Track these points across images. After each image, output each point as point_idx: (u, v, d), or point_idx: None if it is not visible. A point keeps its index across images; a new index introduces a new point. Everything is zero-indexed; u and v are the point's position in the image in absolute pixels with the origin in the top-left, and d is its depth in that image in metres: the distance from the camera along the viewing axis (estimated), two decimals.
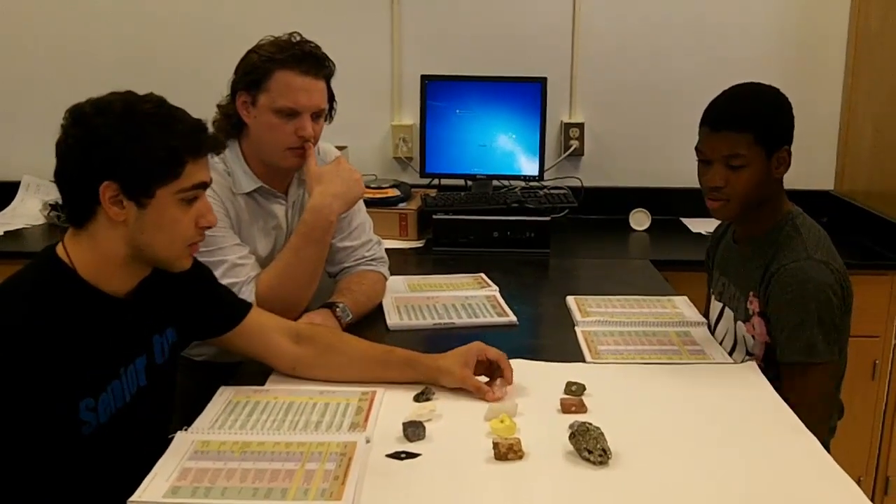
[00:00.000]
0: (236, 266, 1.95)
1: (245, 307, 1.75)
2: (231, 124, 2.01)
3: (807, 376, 1.76)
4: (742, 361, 1.90)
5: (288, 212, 2.12)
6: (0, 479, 1.33)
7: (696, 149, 1.87)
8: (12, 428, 1.32)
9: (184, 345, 1.68)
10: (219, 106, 2.03)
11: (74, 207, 1.42)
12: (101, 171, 1.37)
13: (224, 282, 1.88)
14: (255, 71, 1.95)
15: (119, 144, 1.36)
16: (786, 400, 1.68)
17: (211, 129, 1.89)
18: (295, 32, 2.00)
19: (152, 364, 1.55)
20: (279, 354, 1.74)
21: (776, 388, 1.72)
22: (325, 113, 2.04)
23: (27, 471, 1.34)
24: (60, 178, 1.41)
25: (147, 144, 1.38)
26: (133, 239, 1.42)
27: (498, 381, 1.67)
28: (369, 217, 2.29)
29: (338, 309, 2.00)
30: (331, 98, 2.05)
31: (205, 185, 1.47)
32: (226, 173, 2.01)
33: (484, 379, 1.69)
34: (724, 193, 1.83)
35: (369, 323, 2.07)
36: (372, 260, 2.23)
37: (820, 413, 1.74)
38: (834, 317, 1.76)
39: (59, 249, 1.43)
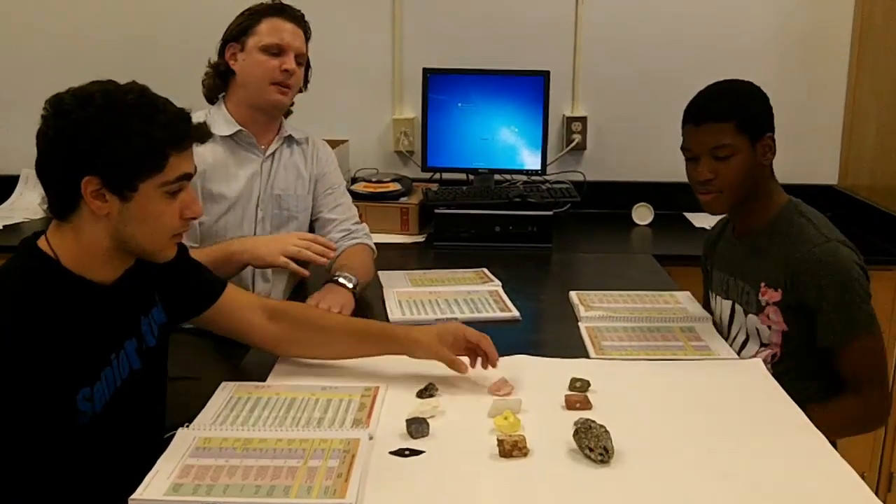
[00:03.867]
0: None
1: (221, 284, 1.73)
2: (219, 76, 2.21)
3: (869, 345, 1.81)
4: (756, 353, 1.90)
5: (265, 163, 2.24)
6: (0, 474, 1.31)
7: (682, 147, 1.91)
8: (12, 423, 1.30)
9: (172, 325, 1.66)
10: (208, 68, 2.22)
11: (57, 200, 1.40)
12: (83, 166, 1.35)
13: None
14: (243, 22, 2.18)
15: (100, 139, 1.34)
16: (848, 379, 1.80)
17: (201, 89, 2.12)
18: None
19: (142, 346, 1.55)
20: (257, 332, 1.74)
21: (790, 380, 1.72)
22: (306, 64, 2.24)
23: (27, 465, 1.32)
24: (42, 170, 1.39)
25: (128, 138, 1.35)
26: (117, 232, 1.40)
27: (478, 360, 1.69)
28: (350, 196, 2.44)
29: (342, 279, 2.09)
30: (307, 66, 2.26)
31: (189, 176, 1.45)
32: (202, 119, 2.04)
33: (465, 359, 1.70)
34: (715, 185, 1.86)
35: (372, 318, 2.05)
36: (356, 232, 2.34)
37: (884, 374, 1.83)
38: (869, 291, 1.82)
39: (42, 242, 1.42)
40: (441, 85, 3.07)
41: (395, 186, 2.99)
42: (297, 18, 2.21)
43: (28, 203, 3.15)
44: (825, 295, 1.79)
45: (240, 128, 2.19)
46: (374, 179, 3.00)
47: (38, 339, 1.32)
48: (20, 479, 1.31)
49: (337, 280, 2.08)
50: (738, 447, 1.45)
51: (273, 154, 2.26)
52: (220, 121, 2.18)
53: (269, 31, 2.16)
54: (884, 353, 1.85)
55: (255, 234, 2.25)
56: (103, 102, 1.36)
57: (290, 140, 2.31)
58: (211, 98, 2.25)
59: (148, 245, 1.45)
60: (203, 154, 2.05)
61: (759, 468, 1.39)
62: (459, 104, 3.07)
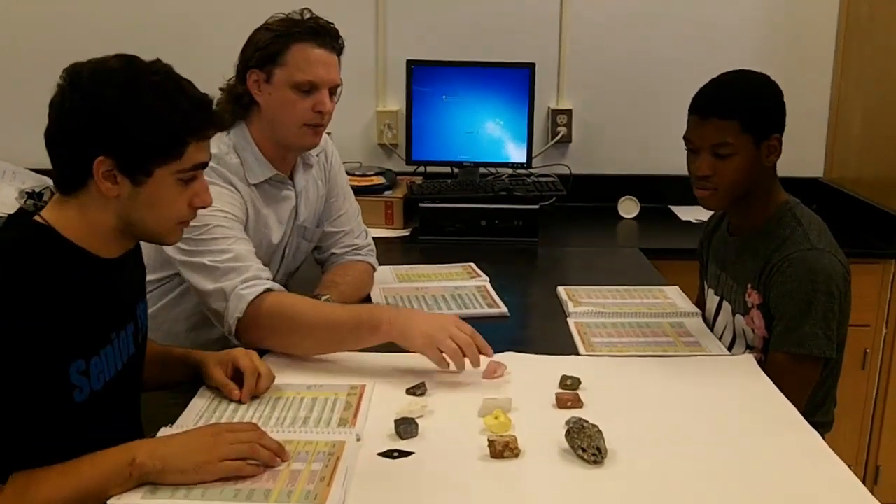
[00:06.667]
0: (247, 258, 1.80)
1: None
2: (240, 106, 1.93)
3: (799, 367, 1.74)
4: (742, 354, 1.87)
5: (298, 198, 2.06)
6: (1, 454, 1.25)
7: (685, 137, 1.85)
8: (6, 397, 1.24)
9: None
10: (223, 89, 1.94)
11: (64, 175, 1.35)
12: (97, 145, 1.29)
13: (228, 264, 1.77)
14: (269, 46, 1.87)
15: (118, 119, 1.29)
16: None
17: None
18: (305, 8, 1.94)
19: (138, 331, 1.52)
20: None
21: None
22: (338, 91, 1.96)
23: (22, 440, 1.26)
24: (52, 142, 1.33)
25: (148, 122, 1.30)
26: (124, 213, 1.36)
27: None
28: (359, 205, 2.25)
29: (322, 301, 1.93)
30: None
31: (204, 165, 1.41)
32: (239, 165, 1.92)
33: None
34: (712, 182, 1.81)
35: None
36: (360, 249, 2.20)
37: (804, 407, 1.68)
38: (836, 311, 1.74)
39: (37, 218, 1.36)
40: (425, 77, 3.03)
41: (380, 180, 2.95)
42: (331, 41, 1.91)
43: (4, 197, 3.08)
44: (787, 301, 1.74)
45: (275, 171, 1.97)
46: (357, 173, 2.96)
47: (29, 308, 1.26)
48: (17, 456, 1.26)
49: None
50: (732, 444, 1.44)
51: (303, 187, 2.08)
52: (253, 163, 1.93)
53: (301, 64, 1.86)
54: (807, 388, 1.76)
55: (279, 270, 2.06)
56: (125, 81, 1.31)
57: (308, 158, 2.09)
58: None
59: (154, 229, 1.41)
60: (248, 204, 1.92)
61: (752, 465, 1.37)
62: (444, 96, 3.03)
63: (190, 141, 1.35)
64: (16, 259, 1.30)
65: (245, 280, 1.76)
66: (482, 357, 1.67)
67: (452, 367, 1.66)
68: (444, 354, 1.65)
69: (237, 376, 1.60)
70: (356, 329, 1.72)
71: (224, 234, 1.80)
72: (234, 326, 1.74)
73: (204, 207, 1.45)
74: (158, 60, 1.37)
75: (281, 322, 1.74)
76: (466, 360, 1.66)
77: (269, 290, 1.76)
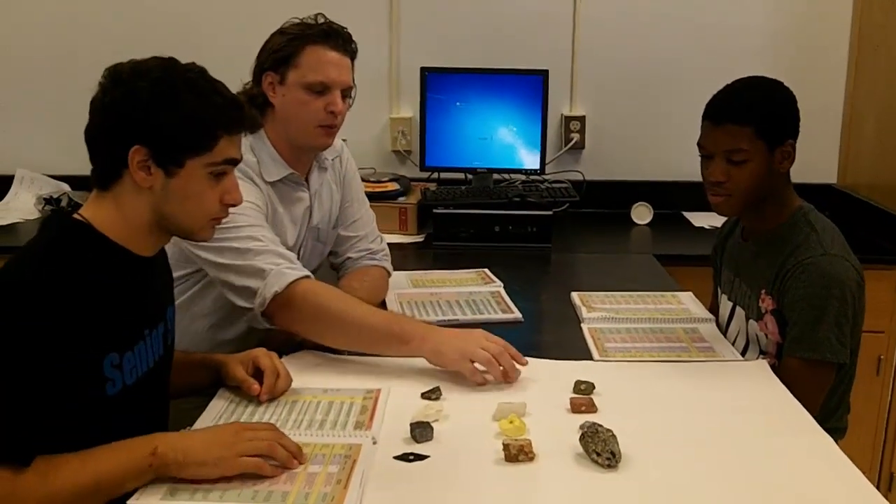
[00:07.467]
0: (279, 244, 1.84)
1: None
2: (255, 107, 1.92)
3: (813, 373, 1.75)
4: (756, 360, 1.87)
5: (312, 199, 2.08)
6: (28, 438, 1.27)
7: (698, 143, 1.85)
8: (40, 384, 1.27)
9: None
10: (240, 92, 1.94)
11: (101, 168, 1.40)
12: (133, 135, 1.35)
13: (261, 245, 1.79)
14: (283, 48, 1.92)
15: (153, 109, 1.35)
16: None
17: None
18: (319, 13, 1.98)
19: (167, 333, 1.55)
20: None
21: None
22: (351, 93, 2.00)
23: (51, 427, 1.29)
24: (91, 136, 1.39)
25: (182, 113, 1.36)
26: (157, 206, 1.40)
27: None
28: (373, 212, 2.27)
29: None
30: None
31: (235, 162, 1.45)
32: (255, 164, 1.96)
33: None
34: (726, 189, 1.81)
35: None
36: (375, 253, 2.21)
37: (817, 413, 1.68)
38: (849, 317, 1.74)
39: (76, 216, 1.40)
40: (439, 84, 3.05)
41: (394, 186, 2.97)
42: (343, 43, 1.95)
43: (23, 203, 3.12)
44: (800, 307, 1.75)
45: (290, 171, 1.99)
46: (371, 179, 2.98)
47: (67, 301, 1.30)
48: (48, 446, 1.28)
49: None
50: (746, 450, 1.44)
51: (317, 189, 2.10)
52: (269, 162, 1.97)
53: (313, 65, 1.90)
54: (821, 393, 1.76)
55: None
56: (161, 75, 1.37)
57: (323, 161, 2.12)
58: None
59: (186, 224, 1.44)
60: (267, 200, 1.95)
61: (765, 470, 1.37)
62: (458, 103, 3.05)
63: (221, 134, 1.40)
64: (55, 255, 1.34)
65: (287, 261, 1.80)
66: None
67: (489, 377, 1.67)
68: (476, 365, 1.67)
69: (256, 377, 1.62)
70: (386, 337, 1.75)
71: (250, 222, 1.83)
72: (269, 302, 1.76)
73: (234, 205, 1.48)
74: (194, 63, 1.43)
75: (314, 310, 1.77)
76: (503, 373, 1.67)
77: (307, 277, 1.80)
